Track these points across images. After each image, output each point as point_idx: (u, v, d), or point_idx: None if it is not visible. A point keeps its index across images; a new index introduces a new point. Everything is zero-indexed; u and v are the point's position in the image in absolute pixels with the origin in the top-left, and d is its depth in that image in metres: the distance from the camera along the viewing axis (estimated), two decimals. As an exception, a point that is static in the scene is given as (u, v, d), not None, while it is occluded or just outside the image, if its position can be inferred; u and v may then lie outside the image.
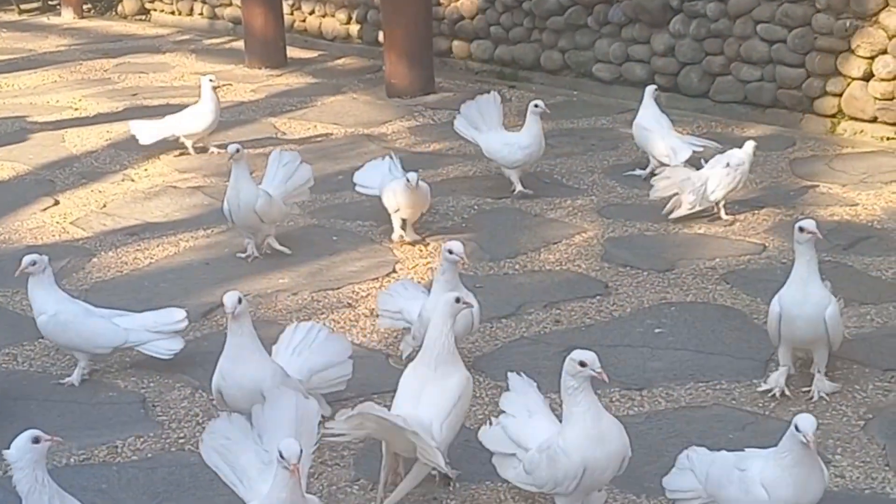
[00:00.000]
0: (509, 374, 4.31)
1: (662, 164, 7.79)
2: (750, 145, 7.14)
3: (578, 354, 3.84)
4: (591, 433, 3.79)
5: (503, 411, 4.10)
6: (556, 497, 3.90)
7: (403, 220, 6.92)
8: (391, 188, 6.85)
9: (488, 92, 8.23)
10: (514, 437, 4.02)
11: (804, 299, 4.78)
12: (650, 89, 8.23)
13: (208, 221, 7.39)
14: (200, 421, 4.83)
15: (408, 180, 6.69)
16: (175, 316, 5.42)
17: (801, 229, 4.89)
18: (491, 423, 4.16)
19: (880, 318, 5.65)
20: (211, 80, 9.02)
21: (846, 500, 4.12)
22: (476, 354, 5.40)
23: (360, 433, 4.11)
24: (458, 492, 4.25)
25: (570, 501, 3.89)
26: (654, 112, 8.06)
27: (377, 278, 6.38)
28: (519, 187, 7.70)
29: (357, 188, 7.35)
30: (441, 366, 4.21)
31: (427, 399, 4.17)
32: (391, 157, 7.28)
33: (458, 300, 4.33)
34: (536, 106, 7.60)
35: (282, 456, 3.43)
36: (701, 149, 7.74)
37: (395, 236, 6.91)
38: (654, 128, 7.92)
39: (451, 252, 4.97)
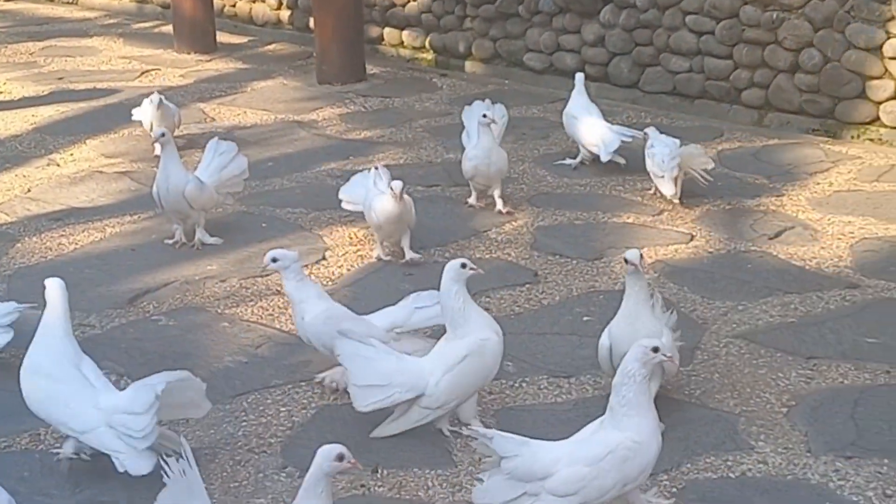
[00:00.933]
0: (474, 426, 4.16)
1: (592, 154, 7.85)
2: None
3: (649, 341, 3.80)
4: (656, 419, 3.81)
5: (502, 458, 3.72)
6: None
7: (386, 240, 6.42)
8: (372, 203, 6.28)
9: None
10: (526, 473, 3.73)
11: (633, 333, 4.52)
12: (580, 77, 8.27)
13: (135, 207, 7.30)
14: (126, 408, 4.76)
15: (391, 189, 6.14)
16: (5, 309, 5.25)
17: (626, 261, 4.73)
18: (481, 481, 3.81)
19: (804, 307, 5.73)
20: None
21: (768, 486, 4.17)
22: (405, 342, 5.39)
23: None
24: (386, 479, 4.24)
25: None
26: (584, 101, 8.10)
27: (306, 265, 6.31)
28: (471, 200, 7.27)
29: (343, 204, 6.77)
30: (457, 328, 4.48)
31: (435, 351, 4.56)
32: (377, 169, 6.53)
33: (464, 266, 4.49)
34: (484, 116, 7.04)
35: None
36: (630, 139, 7.80)
37: (375, 254, 6.42)
38: (583, 117, 7.96)
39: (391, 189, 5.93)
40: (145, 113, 8.35)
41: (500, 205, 7.10)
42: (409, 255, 6.31)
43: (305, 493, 3.47)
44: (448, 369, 4.45)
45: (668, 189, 7.12)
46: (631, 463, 3.72)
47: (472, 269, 4.52)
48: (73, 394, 4.26)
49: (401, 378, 4.47)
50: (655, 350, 3.74)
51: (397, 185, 6.15)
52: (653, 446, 3.76)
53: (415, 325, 5.07)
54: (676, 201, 7.17)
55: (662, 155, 7.13)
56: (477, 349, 4.47)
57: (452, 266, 4.51)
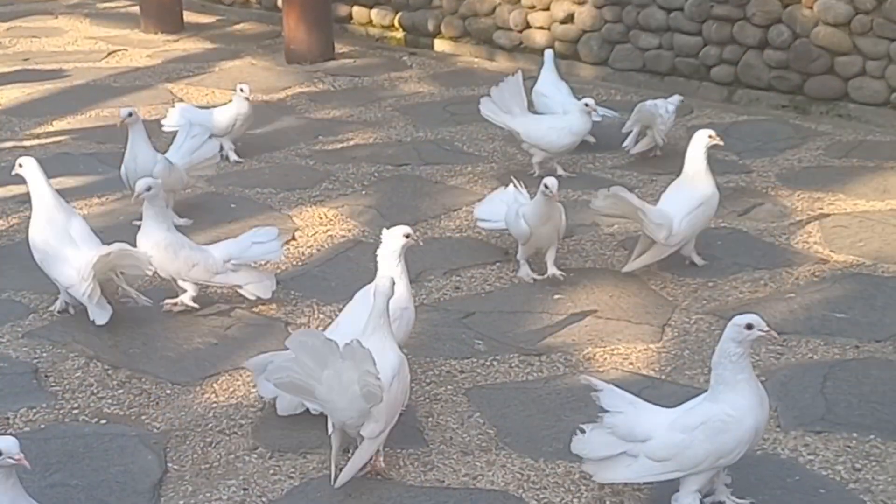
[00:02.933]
0: (584, 378, 4.10)
1: None
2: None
3: (742, 318, 3.76)
4: (759, 396, 3.77)
5: (606, 411, 3.83)
6: (687, 480, 3.78)
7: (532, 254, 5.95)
8: (522, 211, 5.80)
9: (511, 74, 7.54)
10: (627, 432, 3.80)
11: None
12: (549, 54, 8.27)
13: (103, 188, 7.25)
14: (95, 391, 4.74)
15: (546, 187, 5.57)
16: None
17: (546, 186, 5.54)
18: (583, 432, 3.90)
19: (773, 283, 5.75)
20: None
21: (739, 461, 4.17)
22: (376, 321, 5.37)
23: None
24: (358, 459, 4.23)
25: (702, 481, 3.80)
26: (554, 78, 8.09)
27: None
28: (538, 171, 7.26)
29: (480, 223, 6.25)
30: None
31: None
32: (515, 184, 6.12)
33: (407, 236, 4.59)
34: (586, 105, 7.23)
35: None
36: (600, 118, 7.79)
37: (522, 273, 5.87)
38: (552, 94, 7.94)
39: (546, 187, 5.50)
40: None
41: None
42: (552, 270, 5.79)
43: None
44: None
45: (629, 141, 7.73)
46: (724, 436, 3.72)
47: (414, 239, 4.64)
48: (61, 255, 5.27)
49: None
50: (749, 327, 3.72)
51: (552, 182, 5.61)
52: (747, 422, 3.72)
53: (250, 258, 5.50)
54: (633, 153, 7.72)
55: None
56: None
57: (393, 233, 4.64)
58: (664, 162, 7.68)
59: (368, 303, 4.26)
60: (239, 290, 5.51)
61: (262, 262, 5.70)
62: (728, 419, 3.72)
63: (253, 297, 5.50)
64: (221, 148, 7.54)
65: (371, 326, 4.10)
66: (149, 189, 5.34)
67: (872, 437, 4.29)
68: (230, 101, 7.95)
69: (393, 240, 4.61)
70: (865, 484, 4.01)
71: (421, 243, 4.97)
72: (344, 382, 3.82)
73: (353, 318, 4.53)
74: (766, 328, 3.76)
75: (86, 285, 5.08)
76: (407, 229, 4.65)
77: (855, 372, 4.80)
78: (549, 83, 8.05)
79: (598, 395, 3.88)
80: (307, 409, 4.43)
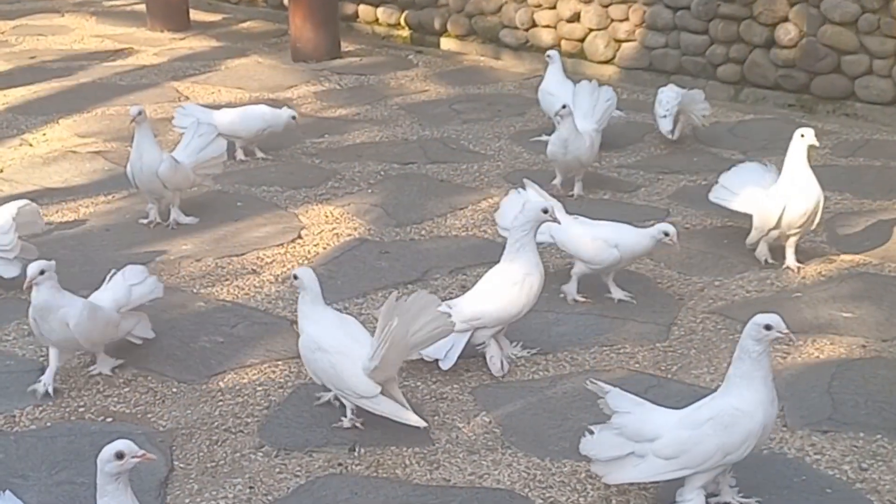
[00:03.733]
0: (590, 383, 3.99)
1: None
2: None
3: (762, 318, 3.77)
4: (770, 394, 3.78)
5: (614, 412, 3.84)
6: (693, 479, 3.77)
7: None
8: (787, 200, 5.72)
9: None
10: (635, 432, 3.81)
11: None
12: (555, 54, 8.27)
13: (109, 187, 7.25)
14: (101, 389, 4.74)
15: (666, 234, 5.39)
16: None
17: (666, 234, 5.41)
18: (591, 433, 3.90)
19: (780, 281, 5.75)
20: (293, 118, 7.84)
21: (745, 461, 4.16)
22: (382, 320, 5.37)
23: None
24: (364, 457, 4.23)
25: (707, 479, 3.79)
26: (560, 78, 8.08)
27: (282, 244, 6.31)
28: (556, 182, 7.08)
29: (715, 198, 6.23)
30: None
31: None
32: (534, 188, 5.80)
33: (545, 210, 4.84)
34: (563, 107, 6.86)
35: None
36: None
37: (761, 254, 5.93)
38: (559, 93, 7.94)
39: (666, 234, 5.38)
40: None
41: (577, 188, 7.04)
42: (792, 259, 5.87)
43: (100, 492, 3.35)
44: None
45: (665, 125, 7.84)
46: (732, 430, 3.72)
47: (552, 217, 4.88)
48: None
49: None
50: (768, 328, 3.74)
51: (672, 230, 5.44)
52: (756, 416, 3.72)
53: (136, 301, 4.95)
54: (672, 137, 7.88)
55: (668, 97, 7.89)
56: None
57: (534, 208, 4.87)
58: (670, 160, 7.69)
59: None
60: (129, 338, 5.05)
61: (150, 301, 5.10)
62: (737, 413, 3.72)
63: (140, 342, 5.08)
64: (252, 152, 7.73)
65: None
66: (42, 273, 4.64)
67: (879, 436, 4.28)
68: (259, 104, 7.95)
69: (531, 212, 4.86)
70: (872, 483, 4.00)
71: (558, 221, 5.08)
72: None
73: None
74: (785, 330, 3.77)
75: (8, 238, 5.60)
76: (547, 204, 4.95)
77: (862, 371, 4.79)
78: (556, 82, 8.04)
79: (604, 398, 3.87)
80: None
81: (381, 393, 4.27)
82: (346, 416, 4.40)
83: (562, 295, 5.55)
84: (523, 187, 5.80)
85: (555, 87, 8.01)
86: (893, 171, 7.36)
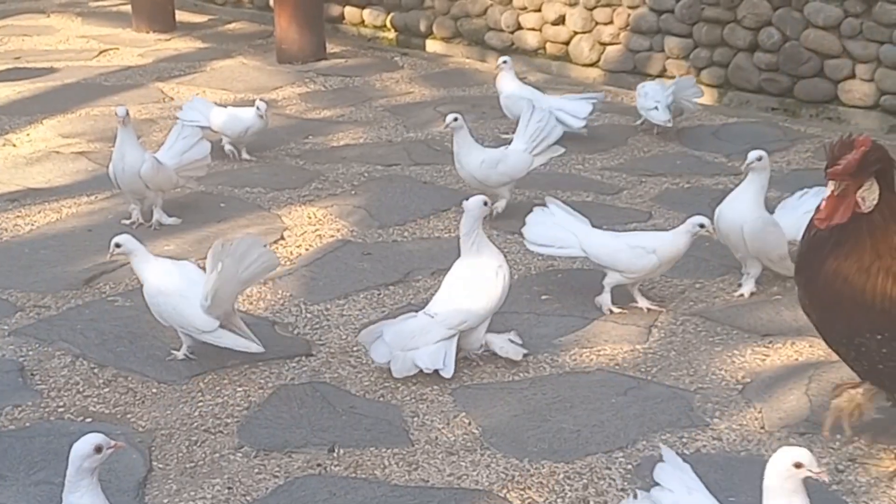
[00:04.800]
0: (663, 447, 3.72)
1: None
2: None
3: (790, 455, 3.13)
4: None
5: (657, 484, 3.43)
6: None
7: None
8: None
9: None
10: None
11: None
12: (508, 59, 8.30)
13: (92, 187, 7.24)
14: (81, 389, 4.74)
15: (702, 226, 5.39)
16: None
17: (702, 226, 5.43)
18: (635, 496, 3.49)
19: (760, 284, 5.76)
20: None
21: (723, 463, 4.20)
22: (363, 321, 5.38)
23: None
24: (343, 458, 4.23)
25: None
26: (517, 82, 8.22)
27: (265, 246, 6.29)
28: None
29: (532, 247, 5.76)
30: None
31: None
32: (556, 204, 5.79)
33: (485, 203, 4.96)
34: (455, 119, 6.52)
35: None
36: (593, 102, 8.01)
37: (604, 300, 5.52)
38: (525, 94, 7.95)
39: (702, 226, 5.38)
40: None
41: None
42: (644, 303, 5.57)
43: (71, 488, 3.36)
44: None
45: (661, 116, 7.95)
46: None
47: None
48: None
49: None
50: (798, 466, 3.13)
51: (707, 222, 5.43)
52: None
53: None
54: (670, 125, 8.02)
55: (654, 89, 8.06)
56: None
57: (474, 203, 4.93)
58: (653, 163, 7.71)
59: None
60: None
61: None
62: None
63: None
64: (238, 152, 7.71)
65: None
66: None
67: (856, 439, 4.29)
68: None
69: (473, 209, 4.93)
70: (848, 485, 4.02)
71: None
72: None
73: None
74: (819, 469, 3.18)
75: None
76: (485, 197, 5.02)
77: (839, 374, 4.78)
78: (518, 86, 8.11)
79: (657, 466, 3.50)
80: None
81: (221, 326, 4.78)
82: (179, 350, 4.96)
83: (598, 307, 5.49)
84: (544, 204, 5.78)
85: (520, 91, 8.04)
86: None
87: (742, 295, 5.63)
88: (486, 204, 4.95)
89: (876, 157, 3.73)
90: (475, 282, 4.89)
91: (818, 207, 3.84)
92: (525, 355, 5.02)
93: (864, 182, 3.72)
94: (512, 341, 5.02)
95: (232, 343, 4.82)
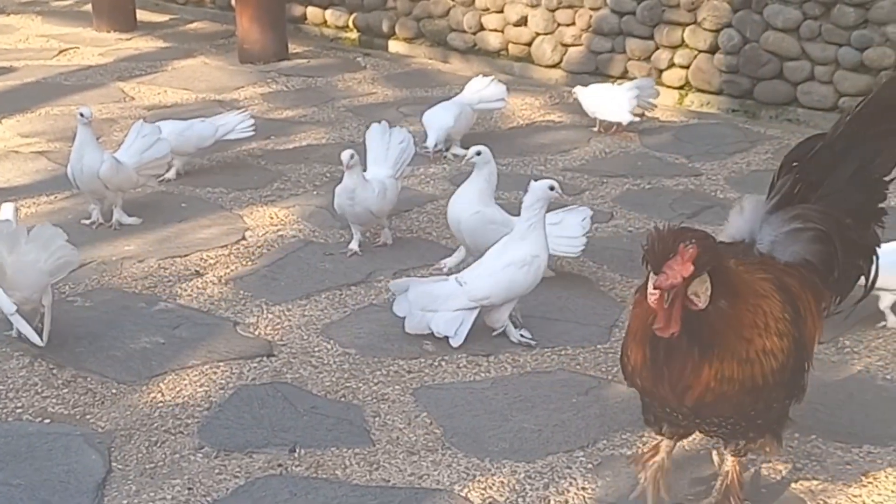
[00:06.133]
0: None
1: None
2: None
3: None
4: None
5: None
6: None
7: None
8: None
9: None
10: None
11: None
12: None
13: (51, 187, 7.19)
14: (40, 390, 4.70)
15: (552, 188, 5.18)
16: None
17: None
18: None
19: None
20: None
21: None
22: (325, 321, 5.38)
23: None
24: (304, 458, 4.22)
25: None
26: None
27: (226, 245, 6.29)
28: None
29: None
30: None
31: None
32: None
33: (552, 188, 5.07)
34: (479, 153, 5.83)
35: None
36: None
37: None
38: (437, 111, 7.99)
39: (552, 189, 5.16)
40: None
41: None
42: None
43: None
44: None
45: (626, 117, 8.20)
46: None
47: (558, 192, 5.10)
48: None
49: None
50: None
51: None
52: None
53: None
54: (636, 118, 8.33)
55: (615, 92, 8.34)
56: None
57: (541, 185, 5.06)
58: (615, 164, 7.74)
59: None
60: None
61: None
62: None
63: None
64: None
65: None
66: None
67: (814, 437, 4.34)
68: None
69: (538, 190, 5.04)
70: (806, 483, 4.06)
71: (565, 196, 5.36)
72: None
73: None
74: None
75: None
76: (552, 182, 5.10)
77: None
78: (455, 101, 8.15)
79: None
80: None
81: (19, 312, 4.89)
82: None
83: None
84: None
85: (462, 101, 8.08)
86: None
87: None
88: (552, 189, 5.08)
89: (705, 261, 3.23)
90: (509, 263, 5.04)
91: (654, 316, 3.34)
92: (486, 356, 5.03)
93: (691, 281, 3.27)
94: (523, 336, 5.16)
95: (25, 330, 4.93)
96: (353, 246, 6.14)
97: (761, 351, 3.38)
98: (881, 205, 3.93)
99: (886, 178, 3.89)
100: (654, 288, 3.27)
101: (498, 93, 8.24)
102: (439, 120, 7.87)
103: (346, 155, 5.95)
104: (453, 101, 8.07)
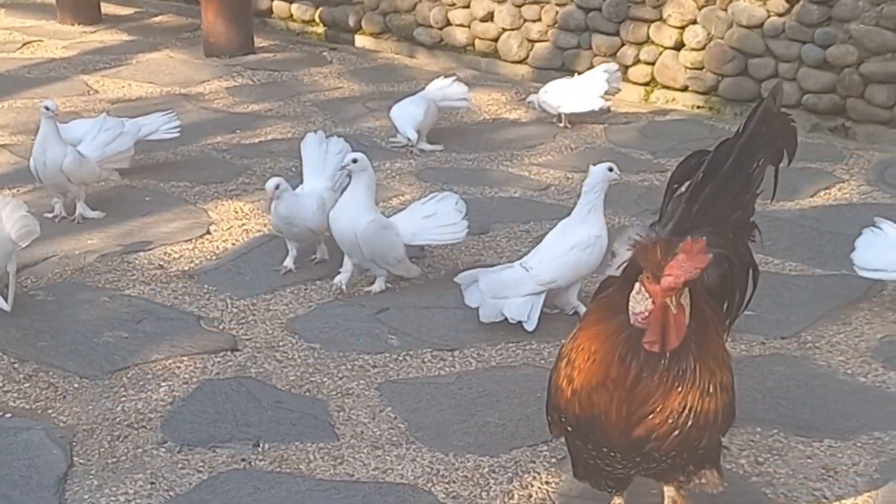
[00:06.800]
0: None
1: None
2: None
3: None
4: None
5: None
6: None
7: None
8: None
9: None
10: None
11: None
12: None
13: (14, 181, 7.13)
14: (1, 385, 4.67)
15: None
16: None
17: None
18: None
19: (684, 279, 5.82)
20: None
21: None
22: (289, 316, 5.36)
23: None
24: (268, 453, 4.21)
25: None
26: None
27: (190, 240, 6.27)
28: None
29: (864, 273, 5.43)
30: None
31: None
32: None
33: (610, 169, 5.19)
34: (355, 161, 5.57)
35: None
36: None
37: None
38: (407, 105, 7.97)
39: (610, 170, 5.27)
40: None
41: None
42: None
43: None
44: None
45: (598, 102, 8.35)
46: None
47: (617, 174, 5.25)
48: None
49: None
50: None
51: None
52: None
53: None
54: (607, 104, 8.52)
55: (583, 81, 8.45)
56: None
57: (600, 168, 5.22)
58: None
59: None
60: None
61: None
62: None
63: None
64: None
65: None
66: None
67: (775, 431, 4.37)
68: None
69: (598, 173, 5.20)
70: (767, 477, 4.09)
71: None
72: None
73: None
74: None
75: None
76: (611, 164, 5.26)
77: (760, 368, 4.88)
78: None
79: None
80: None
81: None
82: None
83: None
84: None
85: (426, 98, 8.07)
86: (795, 172, 7.45)
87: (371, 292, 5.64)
88: (611, 170, 5.22)
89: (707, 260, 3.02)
90: (573, 246, 5.20)
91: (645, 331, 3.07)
92: (451, 350, 5.04)
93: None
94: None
95: None
96: (289, 263, 5.85)
97: (719, 384, 3.16)
98: (752, 219, 3.92)
99: (757, 193, 3.86)
100: (666, 290, 2.96)
101: (461, 92, 8.23)
102: (410, 114, 7.84)
103: (270, 185, 5.67)
104: (420, 96, 8.07)
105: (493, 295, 5.18)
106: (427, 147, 7.84)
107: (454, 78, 8.37)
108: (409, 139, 7.78)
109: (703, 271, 3.03)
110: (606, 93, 8.46)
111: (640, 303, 3.06)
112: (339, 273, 5.67)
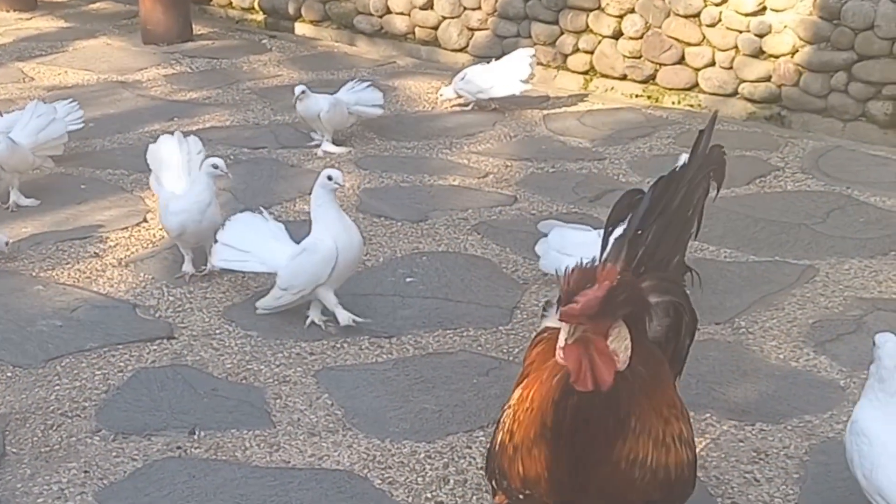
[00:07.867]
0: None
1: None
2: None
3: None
4: None
5: None
6: None
7: None
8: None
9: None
10: None
11: None
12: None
13: (-53, 168, 7.04)
14: (-65, 375, 4.63)
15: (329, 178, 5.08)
16: None
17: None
18: None
19: (621, 266, 5.87)
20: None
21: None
22: (226, 304, 5.34)
23: None
24: (204, 441, 4.20)
25: None
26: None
27: (126, 228, 6.22)
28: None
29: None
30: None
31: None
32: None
33: (329, 178, 5.02)
34: (215, 167, 5.61)
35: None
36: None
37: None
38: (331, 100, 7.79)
39: (330, 178, 5.04)
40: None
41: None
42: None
43: None
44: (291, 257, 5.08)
45: (521, 86, 8.44)
46: None
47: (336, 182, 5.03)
48: None
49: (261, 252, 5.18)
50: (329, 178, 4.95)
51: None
52: None
53: None
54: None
55: (506, 65, 8.54)
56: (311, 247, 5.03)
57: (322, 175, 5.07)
58: (519, 148, 7.79)
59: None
60: None
61: None
62: None
63: None
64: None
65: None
66: None
67: (708, 415, 4.42)
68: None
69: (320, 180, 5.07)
70: (700, 461, 4.12)
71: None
72: None
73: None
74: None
75: None
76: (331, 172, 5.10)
77: (694, 353, 4.81)
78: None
79: None
80: None
81: None
82: None
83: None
84: None
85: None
86: (733, 160, 7.51)
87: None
88: (329, 178, 5.03)
89: (625, 298, 2.71)
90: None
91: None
92: (388, 337, 5.05)
93: (609, 328, 2.70)
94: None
95: None
96: (188, 268, 5.62)
97: (677, 436, 2.86)
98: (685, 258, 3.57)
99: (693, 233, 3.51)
100: (562, 319, 2.67)
101: (375, 98, 7.83)
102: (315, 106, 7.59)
103: (218, 162, 5.59)
104: (334, 96, 7.74)
105: (559, 249, 5.29)
106: (330, 149, 7.66)
107: (367, 84, 8.03)
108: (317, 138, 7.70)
109: (602, 302, 2.65)
110: (529, 77, 8.52)
111: (560, 336, 2.72)
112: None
